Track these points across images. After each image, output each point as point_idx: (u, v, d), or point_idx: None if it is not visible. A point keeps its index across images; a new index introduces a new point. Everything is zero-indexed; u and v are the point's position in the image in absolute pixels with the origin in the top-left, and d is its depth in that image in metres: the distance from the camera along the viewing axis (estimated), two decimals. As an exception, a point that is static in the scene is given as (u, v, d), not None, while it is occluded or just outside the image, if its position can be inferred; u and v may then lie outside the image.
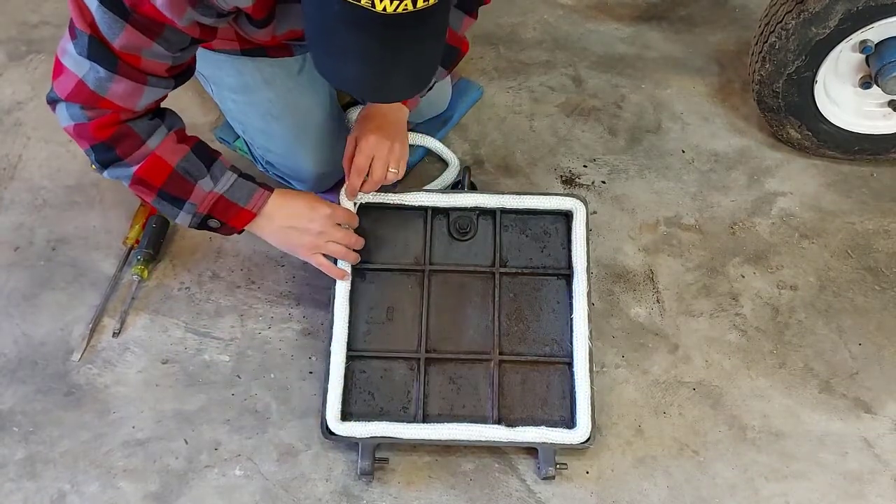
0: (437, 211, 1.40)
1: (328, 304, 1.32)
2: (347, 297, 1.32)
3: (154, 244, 1.45)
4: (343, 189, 1.35)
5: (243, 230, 1.26)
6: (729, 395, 1.37)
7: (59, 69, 1.08)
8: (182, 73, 1.14)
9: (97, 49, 1.03)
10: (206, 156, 1.20)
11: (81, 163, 1.56)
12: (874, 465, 1.31)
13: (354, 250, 1.33)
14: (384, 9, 0.87)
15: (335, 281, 1.32)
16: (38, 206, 1.52)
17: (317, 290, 1.43)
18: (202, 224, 1.23)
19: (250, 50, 1.31)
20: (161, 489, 1.26)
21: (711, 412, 1.35)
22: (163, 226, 1.47)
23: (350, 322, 1.32)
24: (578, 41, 1.78)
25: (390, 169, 1.33)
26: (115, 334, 1.39)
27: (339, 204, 1.35)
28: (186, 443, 1.30)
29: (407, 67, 0.98)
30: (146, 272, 1.44)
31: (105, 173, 1.17)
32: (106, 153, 1.14)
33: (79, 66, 1.06)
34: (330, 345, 1.29)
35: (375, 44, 0.93)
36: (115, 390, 1.34)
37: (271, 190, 1.26)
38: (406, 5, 0.88)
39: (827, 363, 1.41)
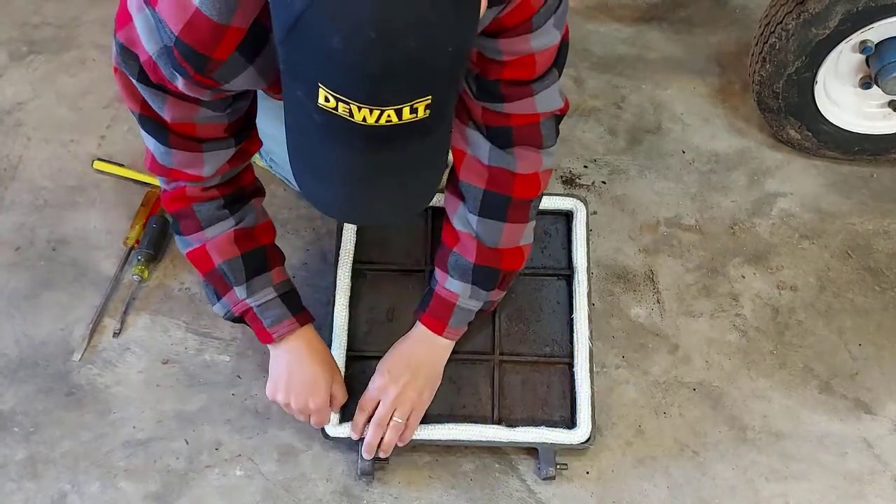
0: (437, 211, 1.40)
1: (328, 304, 1.32)
2: (347, 298, 1.32)
3: (154, 244, 1.45)
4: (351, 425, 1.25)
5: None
6: (729, 396, 1.37)
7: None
8: (240, 130, 1.08)
9: (148, 124, 1.02)
10: (254, 265, 1.17)
11: (82, 163, 1.57)
12: (874, 466, 1.31)
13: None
14: (363, 119, 0.75)
15: (335, 281, 1.33)
16: (39, 206, 1.52)
17: (317, 290, 1.43)
18: (236, 320, 1.22)
19: None
20: (162, 489, 1.26)
21: (711, 412, 1.35)
22: (163, 226, 1.47)
23: (350, 322, 1.32)
24: (579, 42, 1.78)
25: (394, 418, 1.21)
26: (116, 334, 1.39)
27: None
28: (187, 443, 1.30)
29: (394, 190, 0.86)
30: (147, 272, 1.44)
31: (177, 239, 1.19)
32: (174, 224, 1.17)
33: (147, 139, 1.06)
34: (330, 345, 1.29)
35: (358, 161, 0.81)
36: (116, 390, 1.35)
37: (302, 324, 1.21)
38: (389, 117, 0.75)
39: (827, 364, 1.41)
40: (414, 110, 0.75)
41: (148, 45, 0.90)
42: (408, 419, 1.22)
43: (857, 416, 1.36)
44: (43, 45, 1.73)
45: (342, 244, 1.35)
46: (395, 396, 1.22)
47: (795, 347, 1.42)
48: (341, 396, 1.25)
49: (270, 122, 1.39)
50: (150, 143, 1.05)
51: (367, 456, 1.23)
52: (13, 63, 1.70)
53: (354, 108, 0.74)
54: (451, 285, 1.22)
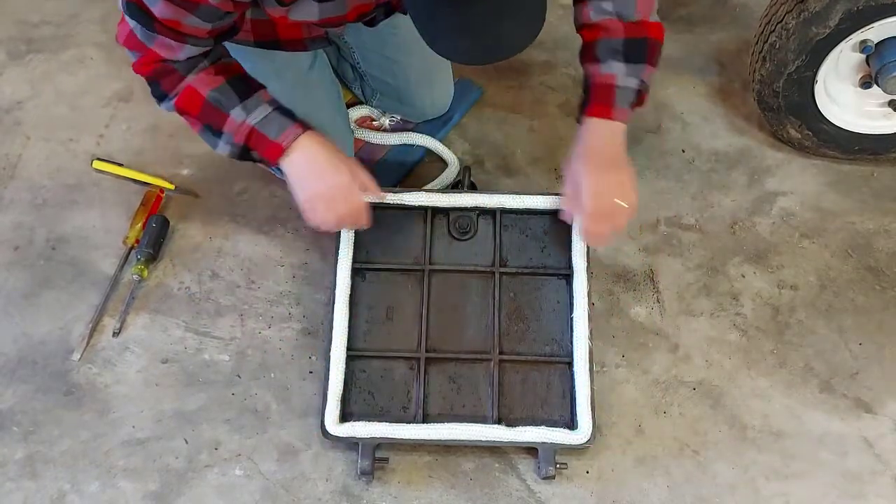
0: (437, 211, 1.40)
1: (328, 304, 1.32)
2: (347, 297, 1.32)
3: (154, 244, 1.45)
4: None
5: (279, 166, 1.23)
6: (729, 395, 1.37)
7: (121, 17, 1.13)
8: (223, 35, 1.16)
9: (136, 12, 1.08)
10: (242, 87, 1.19)
11: (81, 162, 1.56)
12: (874, 465, 1.31)
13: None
14: None
15: (335, 280, 1.32)
16: (38, 205, 1.52)
17: (317, 290, 1.43)
18: (243, 155, 1.22)
19: (264, 42, 1.30)
20: (161, 488, 1.26)
21: (712, 412, 1.35)
22: (163, 225, 1.47)
23: (350, 322, 1.32)
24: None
25: (618, 201, 1.27)
26: (115, 334, 1.39)
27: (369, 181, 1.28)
28: (186, 442, 1.30)
29: (517, 16, 0.94)
30: (146, 272, 1.44)
31: (161, 106, 1.21)
32: (155, 88, 1.18)
33: (129, 20, 1.11)
34: (330, 345, 1.29)
35: (484, 6, 0.90)
36: (115, 390, 1.34)
37: (304, 129, 1.21)
38: None
39: (827, 363, 1.40)
40: None
41: None
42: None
43: (858, 416, 1.36)
44: (42, 43, 1.73)
45: (342, 244, 1.35)
46: (616, 183, 1.26)
47: (796, 346, 1.42)
48: (368, 180, 1.26)
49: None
50: (133, 23, 1.11)
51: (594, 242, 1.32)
52: (12, 62, 1.70)
53: None
54: (605, 68, 1.24)
